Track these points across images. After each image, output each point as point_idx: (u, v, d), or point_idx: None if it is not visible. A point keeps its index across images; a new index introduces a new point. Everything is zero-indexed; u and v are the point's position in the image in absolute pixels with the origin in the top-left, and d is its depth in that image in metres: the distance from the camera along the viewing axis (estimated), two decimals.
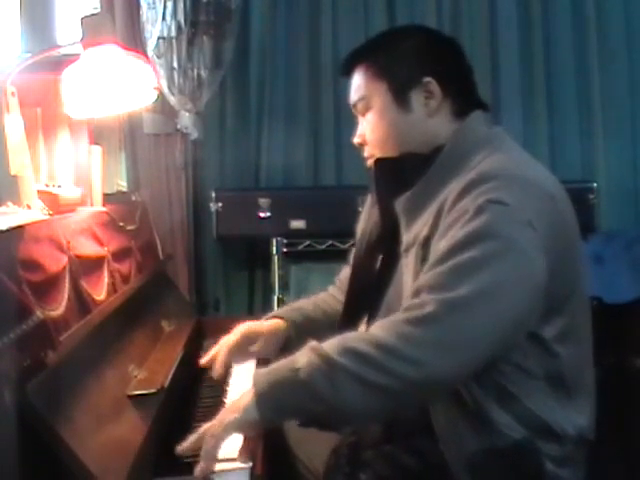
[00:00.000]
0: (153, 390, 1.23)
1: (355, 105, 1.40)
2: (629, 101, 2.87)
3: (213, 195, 2.56)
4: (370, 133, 1.37)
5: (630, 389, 2.37)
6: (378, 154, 1.37)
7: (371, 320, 1.37)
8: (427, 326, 1.08)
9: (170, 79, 2.45)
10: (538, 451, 1.20)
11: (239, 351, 1.51)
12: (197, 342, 1.88)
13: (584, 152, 2.87)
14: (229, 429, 1.10)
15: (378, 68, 1.35)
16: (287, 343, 1.54)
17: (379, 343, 1.07)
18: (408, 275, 1.28)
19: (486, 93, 2.61)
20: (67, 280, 1.15)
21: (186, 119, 2.51)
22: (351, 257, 1.55)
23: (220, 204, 2.54)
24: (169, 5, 2.37)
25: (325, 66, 2.79)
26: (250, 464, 1.16)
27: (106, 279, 1.40)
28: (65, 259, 1.17)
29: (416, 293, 1.14)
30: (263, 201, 2.53)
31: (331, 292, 1.67)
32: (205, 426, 1.13)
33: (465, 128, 1.31)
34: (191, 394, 1.53)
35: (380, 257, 1.42)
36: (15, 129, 1.33)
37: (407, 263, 1.29)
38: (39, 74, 1.50)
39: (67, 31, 2.63)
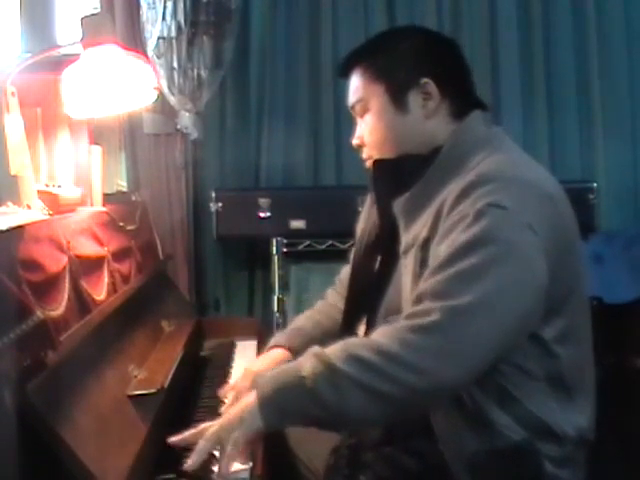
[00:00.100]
0: (153, 390, 1.23)
1: (353, 107, 1.40)
2: (629, 101, 2.87)
3: (213, 195, 2.56)
4: (368, 135, 1.37)
5: (630, 389, 2.37)
6: (376, 155, 1.37)
7: (370, 320, 1.37)
8: (431, 334, 1.08)
9: (170, 79, 2.45)
10: (538, 452, 1.20)
11: None
12: (197, 342, 1.88)
13: (584, 152, 2.87)
14: (231, 432, 1.09)
15: (376, 70, 1.35)
16: None
17: (383, 350, 1.07)
18: (407, 276, 1.28)
19: (486, 93, 2.62)
20: (67, 280, 1.15)
21: (186, 119, 2.51)
22: (351, 257, 1.55)
23: (220, 204, 2.54)
24: (169, 5, 2.37)
25: (325, 66, 2.79)
26: (250, 464, 1.16)
27: (106, 279, 1.40)
28: (65, 259, 1.17)
29: (418, 299, 1.14)
30: (263, 201, 2.53)
31: (330, 300, 1.65)
32: (205, 424, 1.13)
33: (463, 129, 1.31)
34: (191, 394, 1.53)
35: (379, 258, 1.42)
36: (15, 129, 1.33)
37: (406, 264, 1.29)
38: (39, 74, 1.50)
39: (67, 31, 2.63)
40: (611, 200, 2.80)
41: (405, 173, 1.32)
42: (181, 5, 2.37)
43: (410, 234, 1.29)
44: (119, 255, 1.55)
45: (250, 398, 1.11)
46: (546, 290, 1.14)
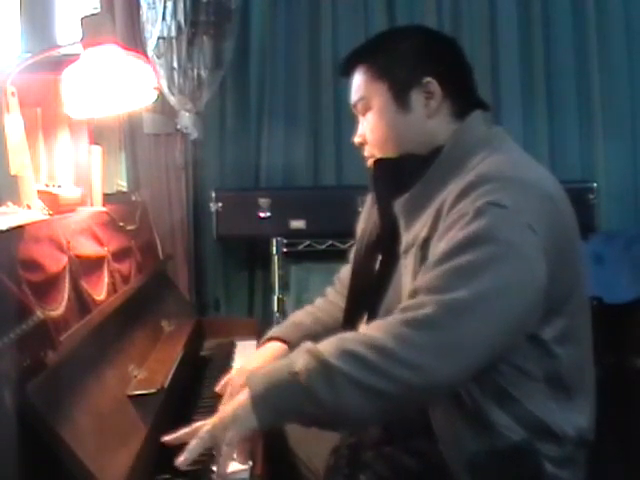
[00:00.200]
0: (153, 390, 1.23)
1: (355, 105, 1.40)
2: (629, 101, 2.87)
3: (213, 195, 2.56)
4: (370, 133, 1.37)
5: (630, 389, 2.37)
6: (378, 154, 1.37)
7: (370, 320, 1.37)
8: (425, 329, 1.07)
9: (170, 79, 2.45)
10: (537, 452, 1.20)
11: None
12: (197, 342, 1.88)
13: (584, 152, 2.87)
14: (225, 431, 1.08)
15: (378, 68, 1.35)
16: None
17: (377, 346, 1.07)
18: (407, 276, 1.28)
19: (486, 93, 2.62)
20: (67, 280, 1.15)
21: (186, 119, 2.51)
22: (351, 256, 1.55)
23: (220, 204, 2.54)
24: (169, 5, 2.37)
25: (325, 66, 2.79)
26: (250, 463, 1.16)
27: (106, 279, 1.40)
28: (65, 259, 1.17)
29: (413, 294, 1.14)
30: (263, 201, 2.53)
31: (330, 298, 1.65)
32: (199, 423, 1.13)
33: (464, 129, 1.31)
34: (191, 394, 1.53)
35: (379, 257, 1.42)
36: (15, 129, 1.33)
37: (406, 264, 1.29)
38: (39, 74, 1.50)
39: (67, 31, 2.63)
40: (611, 200, 2.80)
41: (406, 173, 1.32)
42: (181, 5, 2.37)
43: (410, 234, 1.29)
44: (119, 255, 1.55)
45: (243, 396, 1.10)
46: (546, 290, 1.14)
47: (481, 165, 1.23)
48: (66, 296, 1.12)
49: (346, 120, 2.60)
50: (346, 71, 1.41)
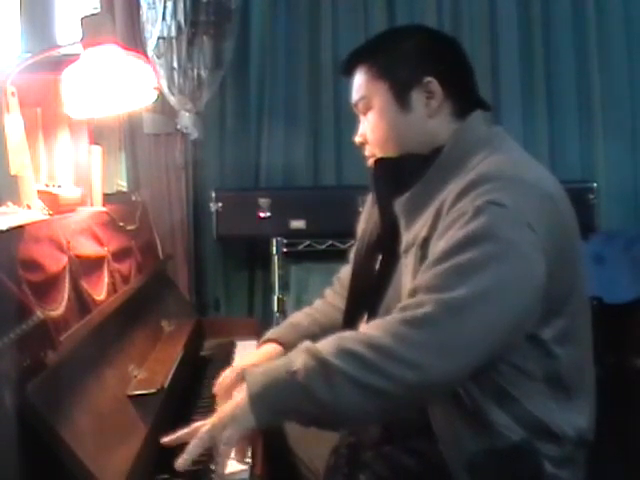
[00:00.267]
0: (153, 390, 1.23)
1: (356, 104, 1.40)
2: (629, 101, 2.88)
3: (213, 195, 2.56)
4: (370, 132, 1.37)
5: (630, 389, 2.37)
6: (379, 154, 1.37)
7: (370, 320, 1.37)
8: (424, 328, 1.07)
9: (170, 79, 2.45)
10: (537, 452, 1.20)
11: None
12: (197, 342, 1.88)
13: (584, 152, 2.87)
14: (224, 430, 1.08)
15: (379, 68, 1.35)
16: None
17: (376, 344, 1.07)
18: (407, 275, 1.28)
19: (486, 93, 2.61)
20: (67, 280, 1.15)
21: (186, 119, 2.51)
22: (351, 256, 1.55)
23: (220, 204, 2.55)
24: (169, 5, 2.38)
25: (325, 66, 2.79)
26: (248, 460, 1.16)
27: (106, 279, 1.40)
28: (65, 259, 1.17)
29: (413, 293, 1.14)
30: (263, 201, 2.53)
31: (329, 300, 1.64)
32: (198, 423, 1.13)
33: (465, 128, 1.31)
34: (191, 394, 1.53)
35: (380, 257, 1.42)
36: (15, 129, 1.33)
37: (406, 264, 1.29)
38: (39, 74, 1.50)
39: (67, 31, 2.63)
40: (611, 200, 2.81)
41: (406, 173, 1.32)
42: (181, 5, 2.38)
43: (411, 233, 1.29)
44: (119, 255, 1.55)
45: (241, 395, 1.10)
46: (545, 290, 1.14)
47: (481, 165, 1.23)
48: (66, 296, 1.12)
49: (346, 120, 2.61)
50: (347, 70, 1.41)
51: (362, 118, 1.40)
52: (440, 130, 1.32)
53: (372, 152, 1.39)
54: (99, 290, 1.33)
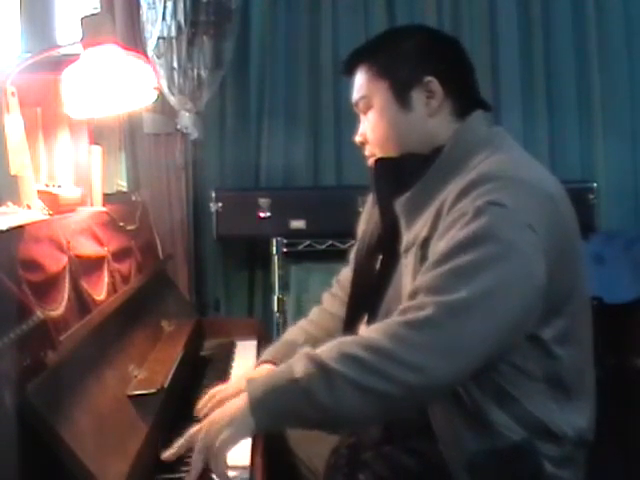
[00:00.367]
0: (153, 390, 1.22)
1: (357, 104, 1.40)
2: (629, 101, 2.87)
3: (213, 195, 2.56)
4: (371, 132, 1.37)
5: (630, 389, 2.37)
6: (379, 153, 1.37)
7: (371, 320, 1.37)
8: (425, 330, 1.07)
9: (170, 79, 2.45)
10: (537, 452, 1.20)
11: None
12: (197, 342, 1.88)
13: (584, 152, 2.87)
14: (220, 431, 1.08)
15: (379, 67, 1.35)
16: None
17: (376, 348, 1.07)
18: (407, 275, 1.28)
19: (486, 93, 2.60)
20: (67, 280, 1.15)
21: (186, 119, 2.51)
22: (351, 257, 1.55)
23: (220, 204, 2.54)
24: (169, 5, 2.37)
25: (325, 66, 2.79)
26: (250, 464, 1.16)
27: (106, 279, 1.40)
28: (65, 259, 1.17)
29: (413, 294, 1.14)
30: (263, 201, 2.53)
31: (326, 306, 1.63)
32: (191, 430, 1.12)
33: (465, 128, 1.31)
34: (191, 394, 1.53)
35: (380, 257, 1.42)
36: (15, 129, 1.33)
37: (407, 264, 1.29)
38: (39, 74, 1.50)
39: (67, 31, 2.63)
40: (611, 200, 2.80)
41: (406, 172, 1.32)
42: (181, 5, 2.37)
43: (411, 233, 1.29)
44: (119, 255, 1.55)
45: (240, 401, 1.10)
46: (546, 290, 1.14)
47: (482, 165, 1.23)
48: (66, 296, 1.12)
49: (346, 120, 2.60)
50: (348, 70, 1.41)
51: (362, 118, 1.40)
52: (440, 130, 1.32)
53: (372, 152, 1.39)
54: (99, 290, 1.33)
